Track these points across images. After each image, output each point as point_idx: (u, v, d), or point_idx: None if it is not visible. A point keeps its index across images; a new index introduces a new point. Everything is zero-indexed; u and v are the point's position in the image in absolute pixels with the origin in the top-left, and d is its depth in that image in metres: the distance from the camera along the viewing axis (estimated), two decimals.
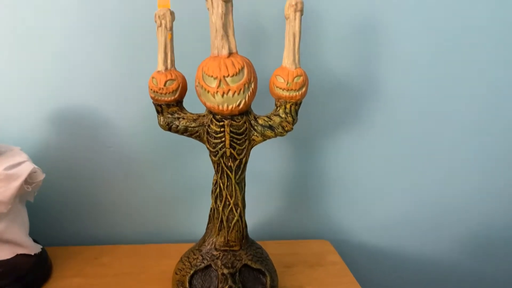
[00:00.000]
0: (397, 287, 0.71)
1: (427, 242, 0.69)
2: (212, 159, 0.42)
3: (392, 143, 0.61)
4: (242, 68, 0.38)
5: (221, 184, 0.43)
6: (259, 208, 0.62)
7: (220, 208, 0.43)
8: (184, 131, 0.42)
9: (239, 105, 0.38)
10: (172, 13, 0.39)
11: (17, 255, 0.48)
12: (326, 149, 0.60)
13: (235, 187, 0.42)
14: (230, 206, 0.43)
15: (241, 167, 0.42)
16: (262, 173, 0.60)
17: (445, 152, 0.63)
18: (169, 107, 0.41)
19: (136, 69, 0.52)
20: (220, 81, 0.37)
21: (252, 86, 0.39)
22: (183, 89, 0.41)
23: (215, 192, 0.43)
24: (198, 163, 0.57)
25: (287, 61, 0.39)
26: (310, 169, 0.61)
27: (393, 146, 0.61)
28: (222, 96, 0.38)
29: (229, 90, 0.37)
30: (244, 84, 0.38)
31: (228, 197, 0.43)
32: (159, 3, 0.39)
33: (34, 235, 0.50)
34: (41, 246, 0.50)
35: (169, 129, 0.42)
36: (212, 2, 0.37)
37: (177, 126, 0.41)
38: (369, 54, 0.56)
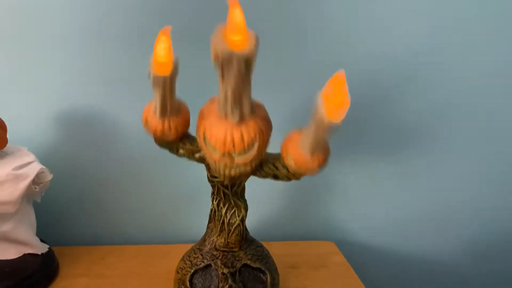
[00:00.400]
0: None
1: (432, 243, 0.68)
2: (208, 179, 0.41)
3: (396, 144, 0.61)
4: (253, 143, 0.31)
5: (219, 197, 0.42)
6: (263, 209, 0.62)
7: (223, 212, 0.43)
8: (182, 157, 0.39)
9: (243, 172, 0.34)
10: (174, 74, 0.30)
11: (25, 254, 0.48)
12: (331, 151, 0.60)
13: (233, 199, 0.42)
14: (233, 210, 0.43)
15: (237, 184, 0.40)
16: None
17: (449, 153, 0.63)
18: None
19: (142, 71, 0.52)
20: (223, 154, 0.31)
21: (263, 154, 0.33)
22: (184, 134, 0.36)
23: (217, 198, 0.43)
24: (201, 165, 0.57)
25: (304, 147, 0.32)
26: None
27: (397, 146, 0.61)
28: (225, 166, 0.33)
29: (233, 163, 0.32)
30: (253, 158, 0.32)
31: (230, 204, 0.43)
32: (155, 66, 0.29)
33: (41, 235, 0.51)
34: (48, 246, 0.51)
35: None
36: (222, 70, 0.27)
37: (174, 153, 0.39)
38: (370, 56, 0.56)
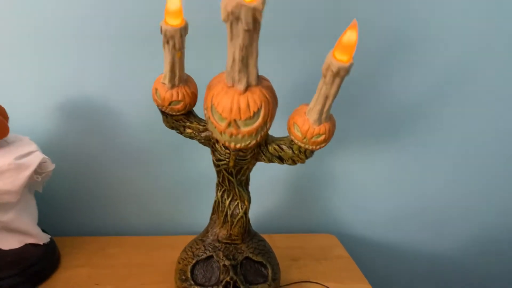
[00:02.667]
0: (402, 280, 0.71)
1: (432, 237, 0.69)
2: (213, 164, 0.41)
3: (400, 139, 0.61)
4: (259, 110, 0.32)
5: (225, 186, 0.42)
6: (266, 202, 0.62)
7: (226, 203, 0.43)
8: (189, 138, 0.40)
9: (247, 145, 0.35)
10: (184, 29, 0.32)
11: (26, 244, 0.48)
12: (331, 143, 0.60)
13: (238, 188, 0.42)
14: (236, 202, 0.43)
15: (242, 171, 0.40)
16: (267, 166, 0.60)
17: (453, 148, 0.63)
18: (174, 115, 0.38)
19: (145, 61, 0.52)
20: (230, 123, 0.32)
21: (268, 125, 0.34)
22: (192, 105, 0.37)
23: (221, 189, 0.43)
24: (204, 155, 0.57)
25: (312, 116, 0.33)
26: (315, 163, 0.61)
27: (401, 141, 0.61)
28: (230, 136, 0.34)
29: (238, 133, 0.33)
30: (257, 128, 0.33)
31: (235, 195, 0.43)
32: (167, 15, 0.31)
33: (42, 225, 0.51)
34: (50, 236, 0.51)
35: (173, 130, 0.40)
36: (231, 27, 0.28)
37: (182, 132, 0.39)
38: (373, 57, 0.56)
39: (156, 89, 0.35)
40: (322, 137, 0.33)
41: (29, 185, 0.46)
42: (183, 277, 0.44)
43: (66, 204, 0.59)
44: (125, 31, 0.51)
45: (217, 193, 0.44)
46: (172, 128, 0.40)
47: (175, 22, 0.31)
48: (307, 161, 0.59)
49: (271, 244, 0.49)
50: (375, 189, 0.64)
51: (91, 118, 0.55)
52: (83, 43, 0.51)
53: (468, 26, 0.55)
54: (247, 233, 0.45)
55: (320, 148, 0.35)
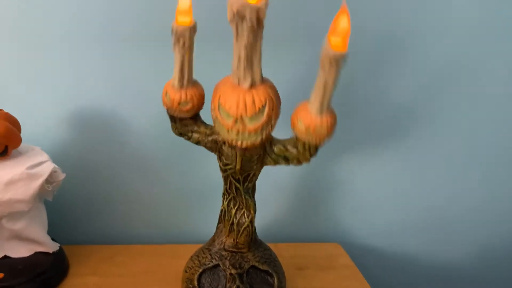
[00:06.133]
0: None
1: (438, 246, 0.68)
2: (220, 170, 0.42)
3: (403, 148, 0.61)
4: (264, 106, 0.34)
5: (231, 193, 0.43)
6: (271, 211, 0.63)
7: (233, 212, 0.43)
8: (196, 143, 0.41)
9: (254, 143, 0.36)
10: (193, 29, 0.34)
11: (36, 253, 0.49)
12: (336, 152, 0.61)
13: (244, 196, 0.43)
14: (242, 211, 0.43)
15: (249, 179, 0.41)
16: (273, 175, 0.61)
17: (459, 156, 0.63)
18: (183, 120, 0.40)
19: (153, 70, 0.53)
20: (236, 119, 0.34)
21: (272, 122, 0.35)
22: (199, 107, 0.39)
23: (228, 197, 0.44)
24: (210, 164, 0.58)
25: (313, 107, 0.34)
26: (320, 172, 0.62)
27: (405, 150, 0.61)
28: (237, 134, 0.35)
29: (245, 130, 0.35)
30: (263, 124, 0.35)
31: (241, 203, 0.43)
32: (178, 13, 0.33)
33: (52, 234, 0.51)
34: (59, 245, 0.51)
35: (181, 136, 0.41)
36: (237, 28, 0.31)
37: (189, 137, 0.41)
38: (377, 61, 0.56)
39: (166, 92, 0.37)
40: (325, 129, 0.35)
41: (40, 194, 0.47)
42: (190, 286, 0.45)
43: (75, 213, 0.60)
44: (135, 44, 0.52)
45: (223, 202, 0.44)
46: (180, 134, 0.41)
47: (185, 20, 0.33)
48: (312, 170, 0.61)
49: (277, 253, 0.49)
50: (380, 198, 0.64)
51: (100, 128, 0.56)
52: (93, 53, 0.52)
53: (468, 26, 0.56)
54: (253, 242, 0.46)
55: (323, 142, 0.36)
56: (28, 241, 0.48)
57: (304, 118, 0.35)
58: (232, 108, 0.34)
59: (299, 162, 0.39)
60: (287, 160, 0.39)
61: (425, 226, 0.67)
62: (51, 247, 0.50)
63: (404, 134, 0.61)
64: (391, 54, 0.56)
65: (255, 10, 0.29)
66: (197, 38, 0.35)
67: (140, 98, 0.55)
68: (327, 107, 0.34)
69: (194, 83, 0.38)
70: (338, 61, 0.31)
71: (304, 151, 0.37)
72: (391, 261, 0.68)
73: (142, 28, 0.52)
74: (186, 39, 0.34)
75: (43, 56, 0.52)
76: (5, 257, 0.48)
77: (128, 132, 0.56)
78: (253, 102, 0.33)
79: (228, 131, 0.35)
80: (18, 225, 0.46)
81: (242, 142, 0.36)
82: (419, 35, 0.55)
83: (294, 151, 0.38)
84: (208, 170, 0.59)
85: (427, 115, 0.60)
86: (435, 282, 0.71)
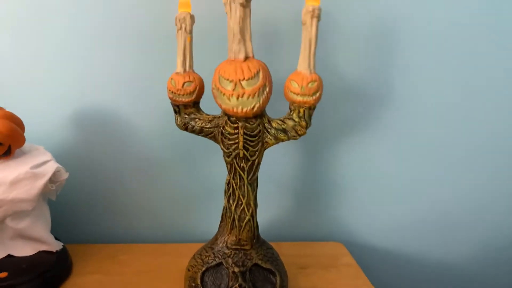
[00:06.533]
0: None
1: (440, 246, 0.68)
2: (225, 160, 0.43)
3: (404, 147, 0.61)
4: (258, 72, 0.38)
5: (234, 184, 0.44)
6: (272, 209, 0.63)
7: (233, 208, 0.44)
8: (200, 132, 0.43)
9: (253, 108, 0.39)
10: (192, 17, 0.40)
11: (40, 252, 0.49)
12: (338, 151, 0.61)
13: (247, 188, 0.43)
14: (242, 206, 0.44)
15: (254, 168, 0.43)
16: (275, 175, 0.61)
17: (462, 154, 0.63)
18: (186, 108, 0.43)
19: (156, 71, 0.54)
20: (235, 84, 0.38)
21: (267, 89, 0.39)
22: (200, 91, 0.43)
23: (228, 191, 0.44)
24: (213, 164, 0.58)
25: (302, 66, 0.39)
26: (322, 171, 0.62)
27: (405, 149, 0.61)
28: (237, 99, 0.39)
29: (244, 93, 0.38)
30: (259, 88, 0.39)
31: (241, 197, 0.44)
32: (180, 6, 0.40)
33: (55, 233, 0.52)
34: (62, 244, 0.52)
35: (186, 129, 0.44)
36: (230, 7, 0.38)
37: (193, 126, 0.43)
38: (382, 59, 0.56)
39: (171, 79, 0.42)
40: (315, 84, 0.39)
41: (44, 194, 0.47)
42: (193, 284, 0.45)
43: (78, 212, 0.60)
44: (138, 43, 0.53)
45: (224, 199, 0.45)
46: (184, 125, 0.44)
47: (185, 9, 0.40)
48: (315, 170, 0.61)
49: (279, 252, 0.49)
50: (382, 197, 0.64)
51: (103, 128, 0.56)
52: (97, 53, 0.53)
53: (467, 25, 0.56)
54: (257, 239, 0.46)
55: (316, 99, 0.40)
56: (32, 240, 0.49)
57: (297, 78, 0.39)
58: (231, 74, 0.38)
59: (296, 133, 0.42)
60: (285, 133, 0.42)
61: (427, 225, 0.67)
62: (55, 246, 0.50)
63: (407, 135, 0.61)
64: (382, 43, 0.56)
65: None
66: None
67: (144, 99, 0.55)
68: (313, 67, 0.39)
69: (194, 71, 0.43)
70: (316, 12, 0.37)
71: (299, 119, 0.41)
72: (394, 260, 0.68)
73: (147, 29, 0.52)
74: (187, 24, 0.40)
75: (47, 56, 0.53)
76: (9, 255, 0.48)
77: (131, 132, 0.57)
78: (249, 68, 0.38)
79: (229, 98, 0.39)
80: (22, 224, 0.47)
81: (242, 109, 0.39)
82: (408, 22, 0.55)
83: (290, 122, 0.42)
84: (210, 170, 0.59)
85: (427, 116, 0.60)
86: (437, 280, 0.71)
